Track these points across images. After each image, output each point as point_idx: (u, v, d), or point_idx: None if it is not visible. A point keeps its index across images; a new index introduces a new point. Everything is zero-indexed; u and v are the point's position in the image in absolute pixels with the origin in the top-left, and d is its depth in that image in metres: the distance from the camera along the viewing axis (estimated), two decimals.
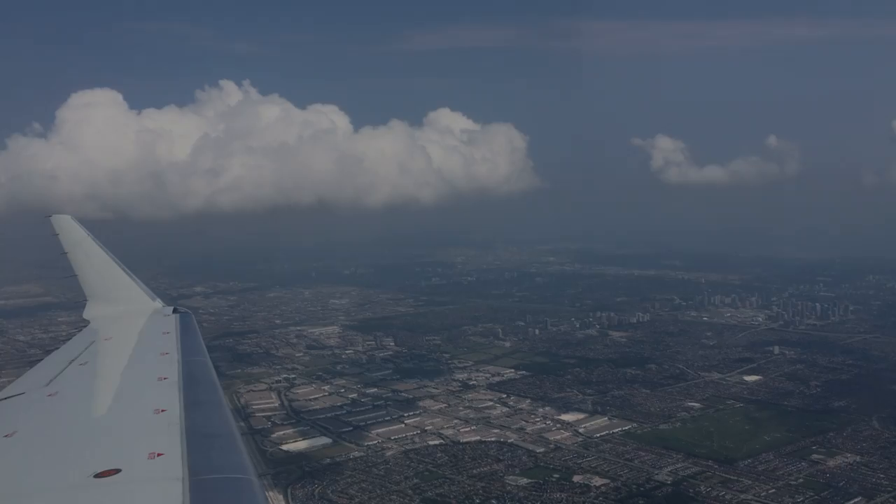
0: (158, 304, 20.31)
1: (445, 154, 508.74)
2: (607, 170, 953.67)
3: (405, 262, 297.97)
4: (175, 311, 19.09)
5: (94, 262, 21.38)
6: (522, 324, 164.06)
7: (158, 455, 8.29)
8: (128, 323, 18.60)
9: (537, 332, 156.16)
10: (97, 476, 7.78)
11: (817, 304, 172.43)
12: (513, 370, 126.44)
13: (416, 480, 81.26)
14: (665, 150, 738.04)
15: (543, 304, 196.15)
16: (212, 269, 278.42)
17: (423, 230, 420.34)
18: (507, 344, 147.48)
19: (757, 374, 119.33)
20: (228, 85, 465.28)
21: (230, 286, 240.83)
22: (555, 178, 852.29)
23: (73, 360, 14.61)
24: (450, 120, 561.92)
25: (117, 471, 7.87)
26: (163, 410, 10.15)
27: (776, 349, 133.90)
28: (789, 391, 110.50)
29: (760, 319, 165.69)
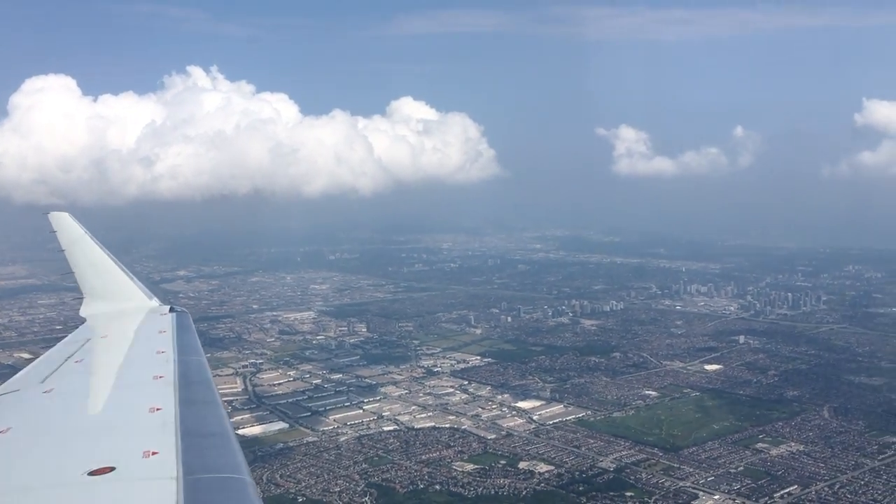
0: (155, 302, 20.25)
1: (392, 144, 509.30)
2: (574, 159, 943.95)
3: (392, 248, 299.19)
4: (172, 309, 19.12)
5: (91, 260, 21.39)
6: (496, 311, 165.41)
7: (153, 454, 8.31)
8: (124, 321, 18.63)
9: (509, 319, 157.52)
10: (91, 474, 7.77)
11: (789, 293, 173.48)
12: (479, 357, 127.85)
13: (364, 465, 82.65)
14: (628, 140, 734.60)
15: (522, 291, 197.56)
16: (198, 252, 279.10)
17: (412, 216, 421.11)
18: (478, 331, 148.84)
19: (718, 364, 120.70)
20: (196, 71, 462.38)
21: (214, 270, 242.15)
22: (519, 167, 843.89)
23: (68, 358, 14.70)
24: (412, 109, 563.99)
25: (112, 469, 7.88)
26: (158, 409, 10.17)
27: (741, 339, 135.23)
28: (746, 380, 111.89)
29: (732, 309, 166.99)
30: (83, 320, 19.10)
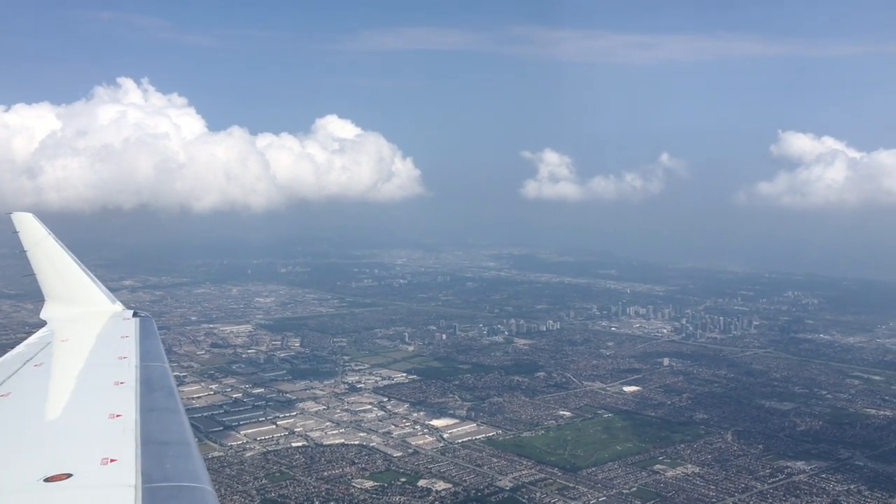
0: (118, 306, 19.94)
1: (296, 162, 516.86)
2: (502, 181, 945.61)
3: (346, 262, 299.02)
4: (135, 314, 18.88)
5: (53, 262, 20.88)
6: (433, 328, 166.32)
7: (112, 461, 8.16)
8: (86, 325, 18.22)
9: (444, 337, 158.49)
10: (47, 480, 7.64)
11: (721, 317, 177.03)
12: (404, 374, 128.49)
13: (264, 481, 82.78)
14: (550, 164, 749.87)
15: (465, 308, 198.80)
16: (149, 262, 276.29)
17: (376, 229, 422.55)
18: (411, 348, 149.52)
19: (637, 385, 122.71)
20: (126, 82, 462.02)
21: (161, 281, 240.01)
22: (445, 187, 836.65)
23: (27, 361, 14.34)
24: (335, 127, 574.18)
25: (68, 475, 7.74)
26: (118, 415, 9.98)
27: (666, 361, 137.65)
28: (660, 402, 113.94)
29: (665, 331, 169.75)
30: (44, 323, 18.71)
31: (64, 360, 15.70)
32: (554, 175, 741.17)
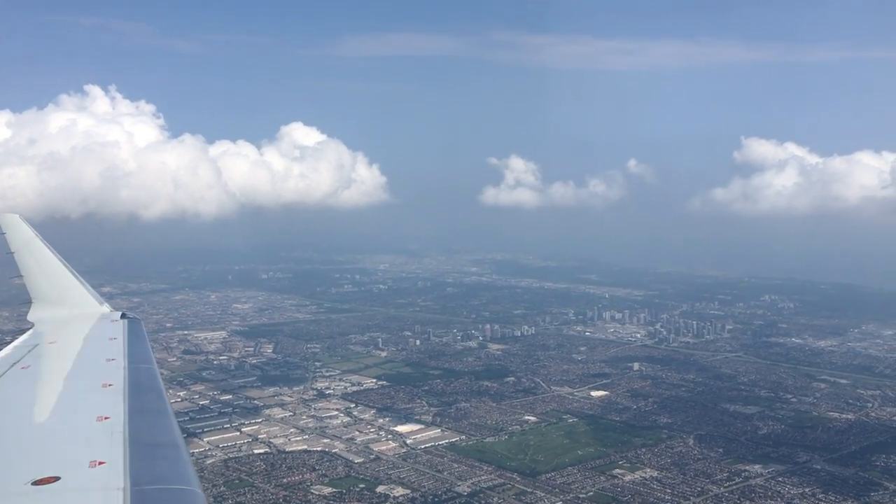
0: (106, 308, 19.86)
1: (251, 169, 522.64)
2: (467, 187, 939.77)
3: (328, 268, 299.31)
4: (123, 316, 18.78)
5: (41, 263, 20.88)
6: (408, 334, 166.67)
7: (100, 463, 8.12)
8: (74, 327, 18.07)
9: (418, 342, 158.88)
10: (35, 483, 7.61)
11: (695, 322, 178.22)
12: (374, 380, 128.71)
13: (223, 489, 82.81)
14: (517, 170, 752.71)
15: (443, 314, 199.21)
16: (131, 268, 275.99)
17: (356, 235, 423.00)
18: (384, 354, 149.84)
19: (605, 390, 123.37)
20: (93, 89, 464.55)
21: (140, 287, 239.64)
22: (409, 193, 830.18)
23: (14, 363, 14.24)
24: (300, 134, 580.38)
25: (56, 479, 7.71)
26: (106, 418, 9.92)
27: (636, 365, 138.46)
28: (626, 407, 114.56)
29: (639, 336, 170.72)
30: (31, 325, 18.55)
31: (51, 362, 15.60)
32: (520, 181, 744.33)
